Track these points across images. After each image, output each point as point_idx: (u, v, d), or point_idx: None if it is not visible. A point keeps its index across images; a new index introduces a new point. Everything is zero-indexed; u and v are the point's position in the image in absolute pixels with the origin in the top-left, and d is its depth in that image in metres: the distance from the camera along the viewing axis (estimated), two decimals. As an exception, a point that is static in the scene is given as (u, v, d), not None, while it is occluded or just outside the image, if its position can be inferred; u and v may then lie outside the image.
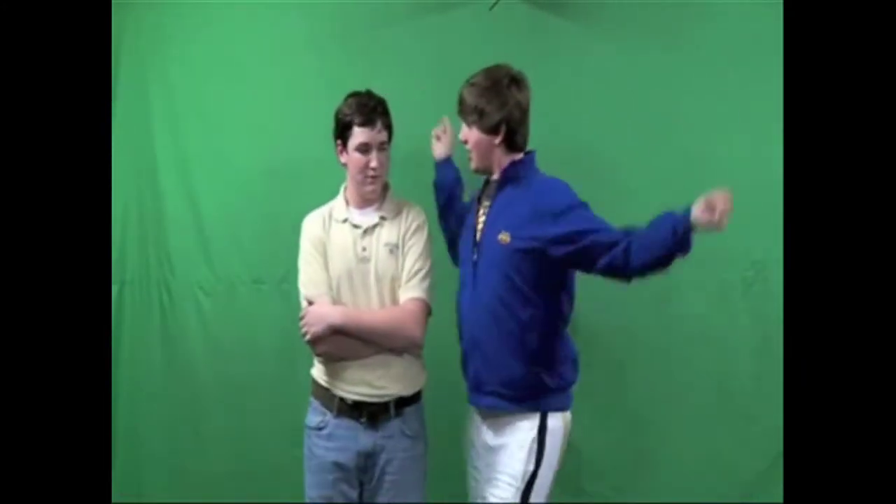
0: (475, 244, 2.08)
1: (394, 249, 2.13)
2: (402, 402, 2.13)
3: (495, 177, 2.10)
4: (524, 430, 2.03)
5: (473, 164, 2.11)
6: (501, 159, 2.08)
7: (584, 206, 1.97)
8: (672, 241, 1.81)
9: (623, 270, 1.89)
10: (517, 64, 2.54)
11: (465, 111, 2.07)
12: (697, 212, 1.79)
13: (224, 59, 2.70)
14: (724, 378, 2.53)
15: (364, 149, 2.10)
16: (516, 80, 2.06)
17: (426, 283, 2.13)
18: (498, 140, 2.04)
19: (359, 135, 2.09)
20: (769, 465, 2.47)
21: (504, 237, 2.00)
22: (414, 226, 2.16)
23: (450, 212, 2.33)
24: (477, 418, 2.14)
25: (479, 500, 2.10)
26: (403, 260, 2.13)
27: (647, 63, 2.52)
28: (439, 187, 2.35)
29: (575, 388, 2.09)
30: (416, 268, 2.12)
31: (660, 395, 2.55)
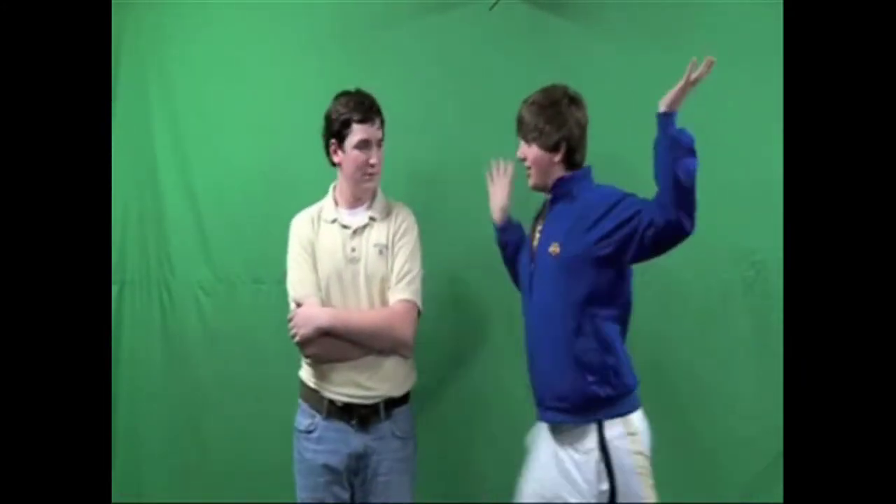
0: (532, 258, 2.12)
1: (383, 250, 2.13)
2: (392, 404, 2.13)
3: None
4: (584, 445, 2.00)
5: (532, 181, 2.14)
6: (558, 177, 2.12)
7: (624, 198, 2.00)
8: (672, 156, 1.91)
9: (667, 228, 1.90)
10: (517, 64, 2.56)
11: (525, 129, 2.11)
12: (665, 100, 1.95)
13: (224, 59, 2.70)
14: (724, 378, 2.52)
15: (364, 145, 2.10)
16: (574, 100, 2.11)
17: (416, 285, 2.14)
18: (558, 158, 2.09)
19: (359, 132, 2.09)
20: (769, 465, 2.47)
21: (554, 248, 2.03)
22: (403, 227, 2.16)
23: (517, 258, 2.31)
24: (544, 428, 2.12)
25: None
26: (393, 261, 2.13)
27: (646, 63, 2.52)
28: (504, 246, 2.32)
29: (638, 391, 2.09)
30: (405, 269, 2.12)
31: (659, 395, 2.55)
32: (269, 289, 2.67)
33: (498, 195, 2.32)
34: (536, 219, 2.19)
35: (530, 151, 2.11)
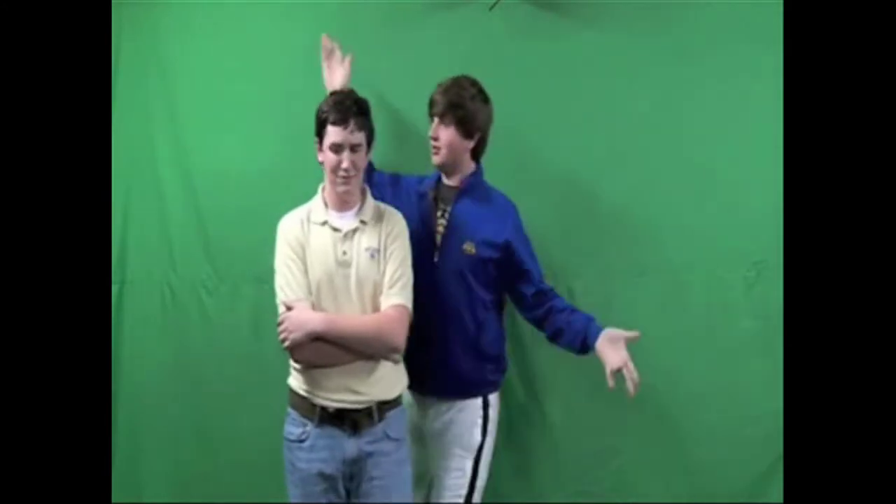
0: (435, 247, 2.25)
1: (375, 254, 2.10)
2: (385, 406, 2.10)
3: (451, 182, 2.28)
4: (470, 410, 2.29)
5: (439, 160, 2.25)
6: (465, 165, 2.28)
7: (530, 246, 2.32)
8: (573, 345, 2.26)
9: (535, 323, 2.32)
10: (517, 64, 2.56)
11: (449, 109, 2.21)
12: (606, 351, 2.19)
13: (225, 57, 2.70)
14: (724, 378, 2.52)
15: (336, 148, 2.06)
16: (487, 98, 2.26)
17: (408, 290, 2.11)
18: (471, 145, 2.24)
19: (332, 133, 2.05)
20: (769, 465, 2.46)
21: (469, 248, 2.21)
22: (395, 231, 2.13)
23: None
24: (417, 406, 2.33)
25: (434, 474, 2.31)
26: (385, 266, 2.10)
27: (646, 63, 2.52)
28: None
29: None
30: (397, 274, 2.09)
31: (659, 396, 2.55)
32: (272, 287, 2.67)
33: (337, 77, 2.44)
34: (433, 201, 2.29)
35: (447, 133, 2.22)
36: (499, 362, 2.36)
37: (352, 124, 2.05)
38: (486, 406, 2.31)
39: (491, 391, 2.33)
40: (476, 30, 2.57)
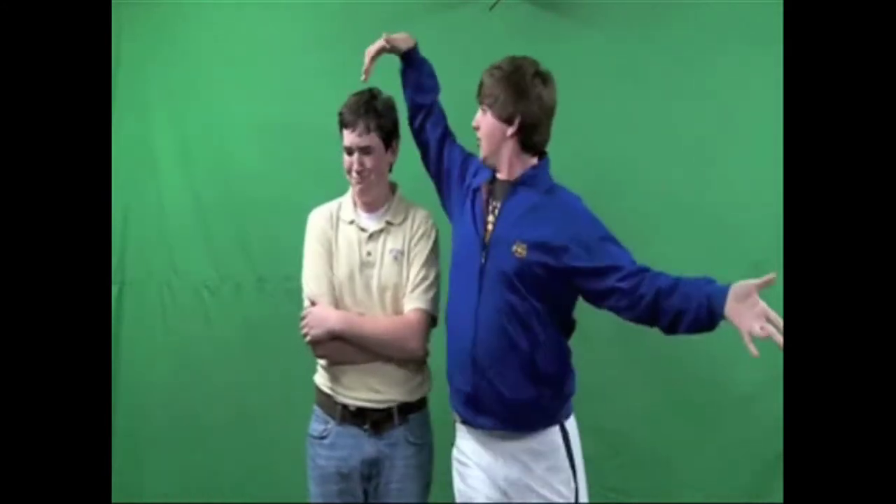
0: (483, 246, 1.95)
1: (398, 256, 2.09)
2: (406, 409, 2.10)
3: (503, 176, 1.99)
4: (547, 446, 1.96)
5: (483, 153, 2.01)
6: (513, 157, 1.97)
7: (612, 239, 1.92)
8: (699, 322, 1.81)
9: (647, 319, 1.87)
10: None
11: (482, 95, 1.97)
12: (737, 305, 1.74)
13: (226, 57, 2.71)
14: (725, 378, 2.52)
15: (347, 151, 2.07)
16: (542, 75, 1.96)
17: (431, 293, 2.09)
18: (510, 132, 1.93)
19: (344, 136, 2.07)
20: (769, 465, 2.47)
21: (520, 249, 1.90)
22: (420, 232, 2.12)
23: (428, 117, 2.21)
24: (470, 437, 2.03)
25: None
26: (408, 268, 2.09)
27: (646, 63, 2.52)
28: (418, 107, 2.22)
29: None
30: (420, 276, 2.08)
31: (660, 396, 2.55)
32: (274, 287, 2.67)
33: (405, 44, 2.20)
34: (488, 195, 2.00)
35: (484, 120, 1.97)
36: (559, 386, 1.98)
37: (361, 127, 2.04)
38: (566, 437, 1.97)
39: (559, 419, 1.98)
40: (476, 30, 2.57)
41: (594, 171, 2.53)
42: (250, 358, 2.71)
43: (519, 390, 1.92)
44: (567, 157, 2.52)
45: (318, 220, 2.16)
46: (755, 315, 1.69)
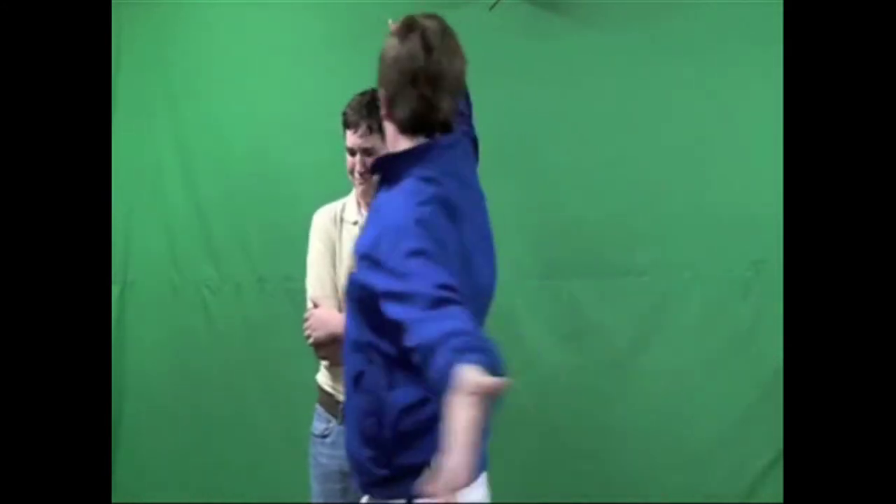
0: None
1: None
2: None
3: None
4: None
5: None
6: (392, 140, 1.51)
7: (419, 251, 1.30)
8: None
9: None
10: (518, 64, 2.56)
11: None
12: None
13: (227, 57, 2.71)
14: (724, 378, 2.52)
15: (350, 151, 2.06)
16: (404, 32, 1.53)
17: None
18: (384, 111, 1.49)
19: (347, 137, 2.06)
20: (769, 465, 2.46)
21: (352, 265, 1.57)
22: None
23: None
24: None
25: None
26: None
27: (646, 62, 2.52)
28: None
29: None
30: None
31: (660, 395, 2.55)
32: (274, 287, 2.67)
33: None
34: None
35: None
36: (385, 449, 1.43)
37: (362, 128, 2.02)
38: None
39: (393, 493, 1.43)
40: (476, 30, 2.57)
41: (593, 170, 2.53)
42: (250, 358, 2.71)
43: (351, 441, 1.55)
44: (566, 156, 2.53)
45: (321, 220, 2.16)
46: None
